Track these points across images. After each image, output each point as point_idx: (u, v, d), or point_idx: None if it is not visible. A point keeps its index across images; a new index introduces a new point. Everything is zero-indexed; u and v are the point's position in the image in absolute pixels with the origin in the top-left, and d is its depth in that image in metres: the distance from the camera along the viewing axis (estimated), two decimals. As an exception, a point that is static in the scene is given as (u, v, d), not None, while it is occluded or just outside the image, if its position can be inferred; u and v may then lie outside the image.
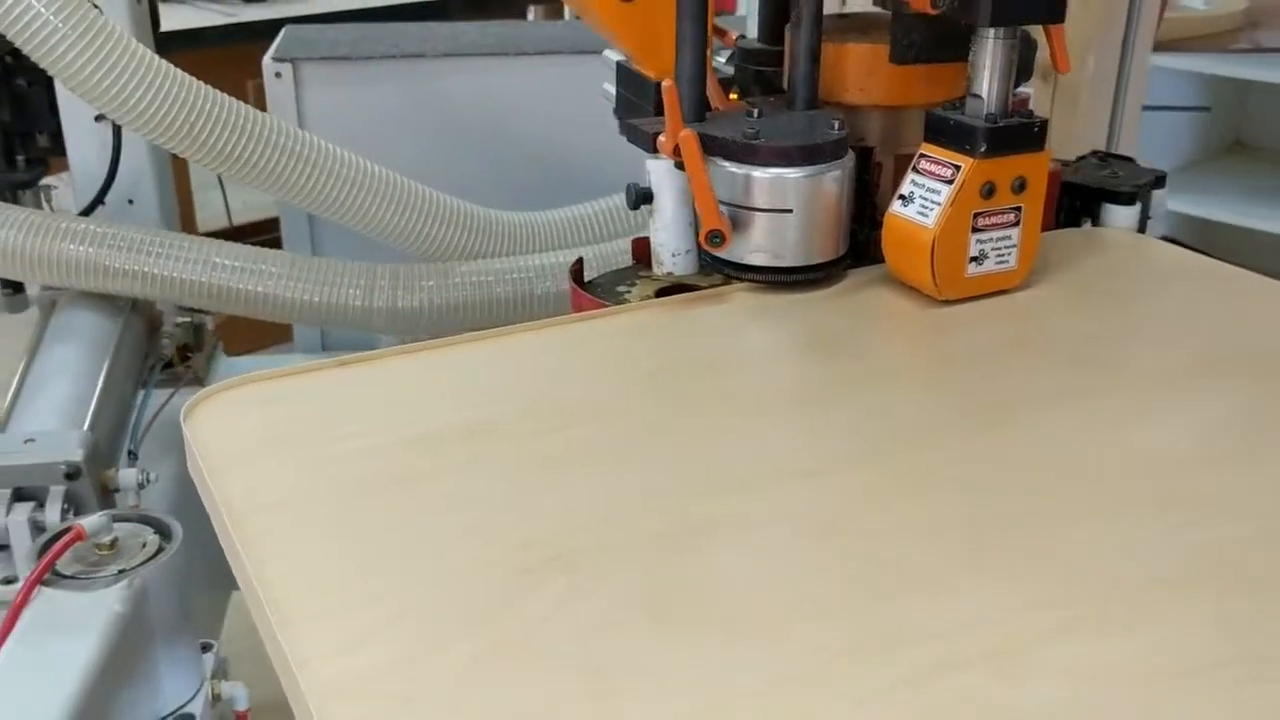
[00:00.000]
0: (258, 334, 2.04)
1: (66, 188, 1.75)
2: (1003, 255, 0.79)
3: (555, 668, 0.49)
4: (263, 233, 2.76)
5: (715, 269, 0.81)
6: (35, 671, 0.93)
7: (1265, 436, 0.65)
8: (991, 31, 0.73)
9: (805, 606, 0.53)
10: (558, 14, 3.52)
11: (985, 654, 0.49)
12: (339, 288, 1.45)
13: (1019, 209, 0.78)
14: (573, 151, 1.74)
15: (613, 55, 0.95)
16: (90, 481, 1.23)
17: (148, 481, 1.29)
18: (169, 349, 1.53)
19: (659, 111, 0.87)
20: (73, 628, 0.97)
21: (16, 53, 1.59)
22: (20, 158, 1.64)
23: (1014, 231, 0.78)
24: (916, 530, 0.58)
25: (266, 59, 1.70)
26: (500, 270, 1.51)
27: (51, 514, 1.20)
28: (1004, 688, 0.48)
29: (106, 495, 1.28)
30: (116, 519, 1.06)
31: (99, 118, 1.55)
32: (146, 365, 1.51)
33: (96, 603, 0.99)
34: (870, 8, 0.86)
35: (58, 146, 1.65)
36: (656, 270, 0.92)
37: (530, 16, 3.14)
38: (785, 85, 0.87)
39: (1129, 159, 0.87)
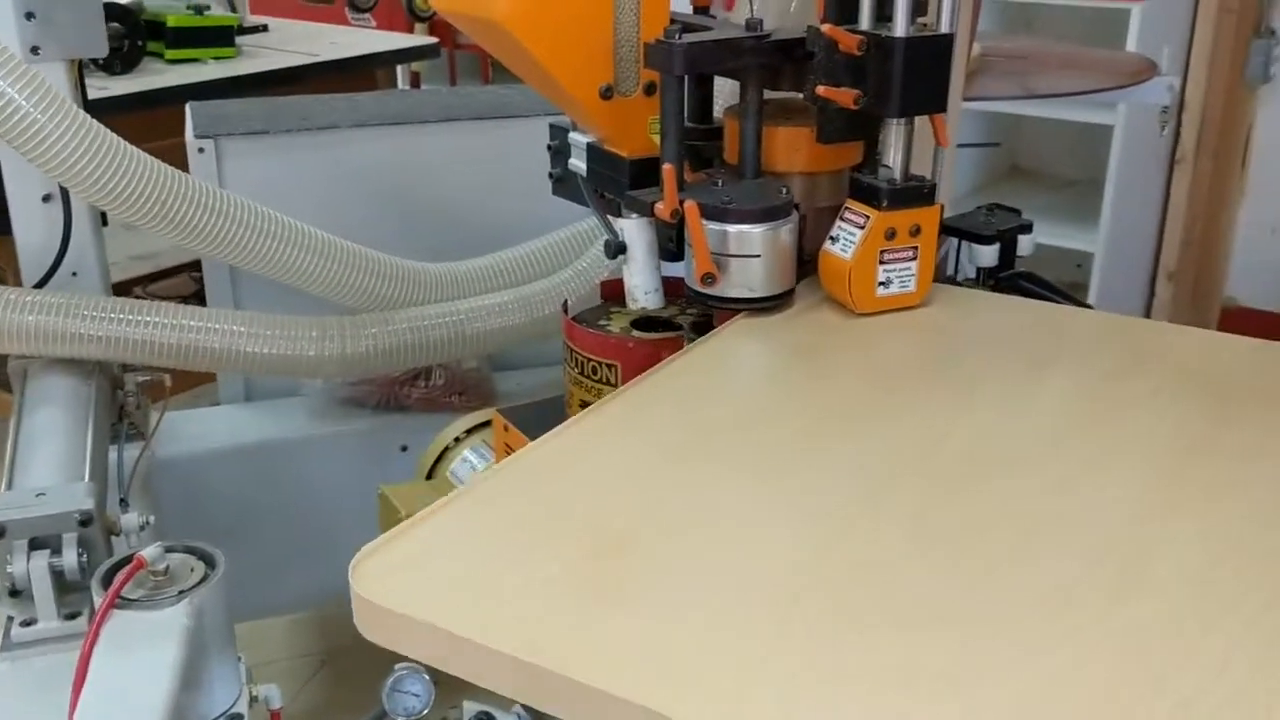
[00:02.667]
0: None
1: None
2: (905, 281, 1.07)
3: (861, 674, 0.63)
4: (123, 292, 2.85)
5: (702, 303, 1.05)
6: (131, 677, 1.09)
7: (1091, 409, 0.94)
8: (896, 120, 1.00)
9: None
10: (391, 81, 3.71)
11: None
12: (295, 340, 1.63)
13: (916, 248, 1.05)
14: (475, 209, 1.95)
15: (580, 137, 1.17)
16: (99, 527, 1.38)
17: (148, 524, 1.44)
18: (132, 406, 1.67)
19: (634, 184, 1.11)
20: (152, 640, 1.13)
21: (-45, 141, 1.71)
22: (-45, 238, 1.74)
23: (913, 264, 1.06)
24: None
25: (189, 136, 1.86)
26: (434, 315, 1.72)
27: (69, 558, 1.33)
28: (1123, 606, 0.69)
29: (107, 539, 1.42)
30: (168, 549, 1.22)
31: (47, 198, 1.67)
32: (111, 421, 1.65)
33: (168, 619, 1.15)
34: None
35: (-8, 226, 1.75)
36: (630, 306, 1.16)
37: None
38: (727, 158, 1.13)
39: (1014, 211, 1.17)
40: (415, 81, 3.90)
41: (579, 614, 0.69)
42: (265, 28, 3.31)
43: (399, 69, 3.81)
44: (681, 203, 0.99)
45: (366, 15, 3.82)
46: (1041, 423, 0.90)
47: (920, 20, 0.99)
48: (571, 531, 0.77)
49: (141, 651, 1.12)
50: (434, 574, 0.73)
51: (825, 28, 0.98)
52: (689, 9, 1.20)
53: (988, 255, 1.15)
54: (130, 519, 1.43)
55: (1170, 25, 3.01)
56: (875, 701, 0.62)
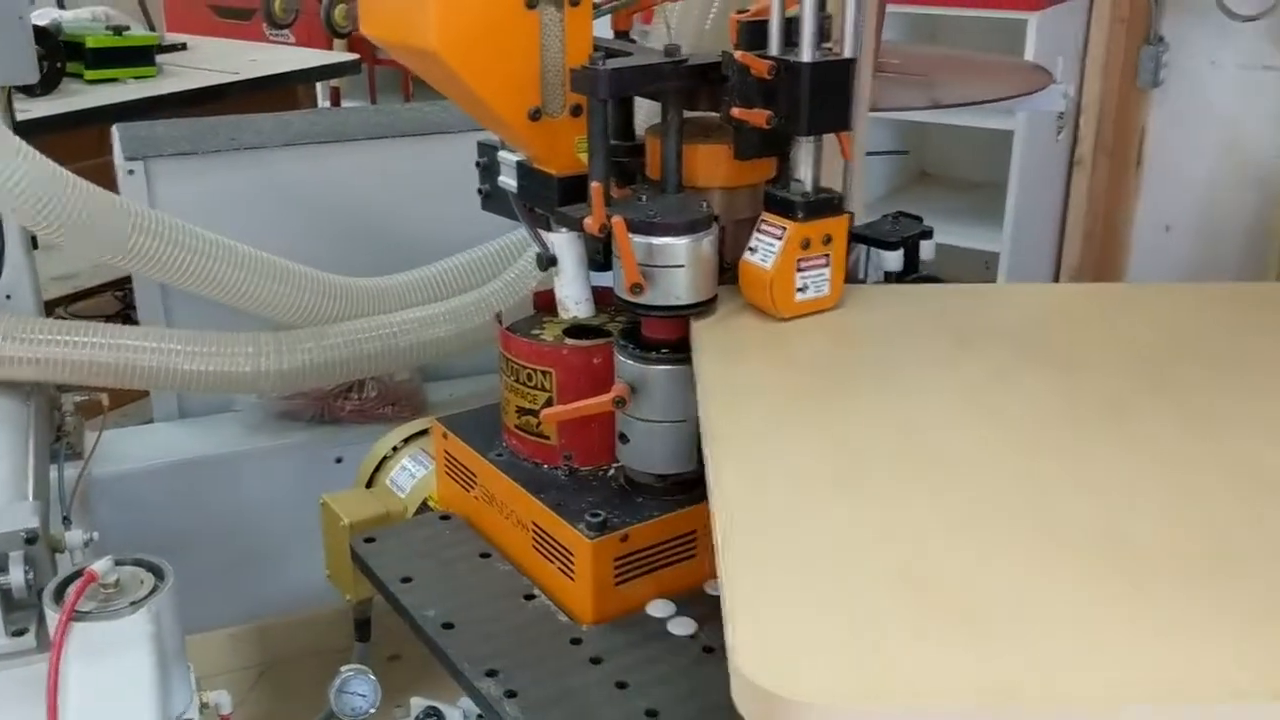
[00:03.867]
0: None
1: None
2: (819, 286, 1.14)
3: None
4: (45, 314, 2.84)
5: (630, 311, 1.12)
6: (113, 686, 1.12)
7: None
8: (806, 138, 1.08)
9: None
10: (311, 97, 3.74)
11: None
12: (231, 357, 1.66)
13: (828, 255, 1.13)
14: (403, 224, 2.00)
15: (510, 155, 1.23)
16: (44, 545, 1.40)
17: (91, 540, 1.47)
18: (70, 426, 1.69)
19: (563, 200, 1.18)
20: (122, 649, 1.17)
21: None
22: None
23: (826, 270, 1.13)
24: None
25: (118, 158, 1.88)
26: (367, 329, 1.76)
27: (16, 576, 1.35)
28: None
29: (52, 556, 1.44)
30: (118, 562, 1.25)
31: (-21, 224, 1.69)
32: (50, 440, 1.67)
33: (131, 626, 1.19)
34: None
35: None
36: (562, 315, 1.23)
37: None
38: (650, 174, 1.20)
39: (916, 218, 1.25)
40: (336, 98, 3.92)
41: (971, 645, 0.70)
42: (184, 46, 3.31)
43: (319, 85, 3.83)
44: (609, 218, 1.06)
45: (285, 31, 3.83)
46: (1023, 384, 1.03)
47: (825, 45, 1.07)
48: (863, 566, 0.77)
49: (115, 660, 1.16)
50: (822, 651, 0.69)
51: (738, 54, 1.06)
52: (610, 33, 1.27)
53: (893, 260, 1.24)
54: (75, 536, 1.45)
55: (1065, 33, 3.15)
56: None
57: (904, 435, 0.94)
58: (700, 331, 1.10)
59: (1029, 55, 2.93)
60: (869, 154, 2.40)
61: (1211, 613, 0.73)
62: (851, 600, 0.74)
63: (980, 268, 3.21)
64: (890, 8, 3.28)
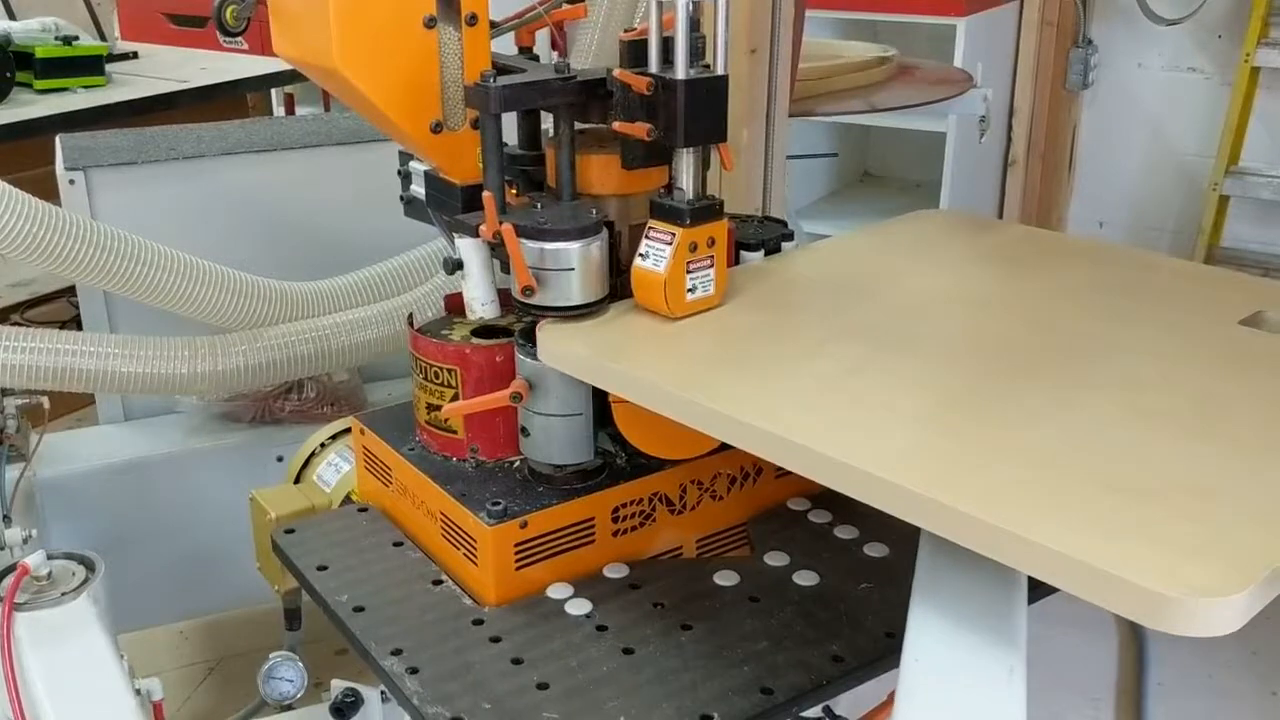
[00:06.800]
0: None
1: None
2: (706, 286, 1.22)
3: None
4: (1, 320, 2.89)
5: (524, 312, 1.19)
6: (80, 663, 1.20)
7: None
8: (684, 149, 1.16)
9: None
10: (265, 104, 3.79)
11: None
12: (167, 360, 1.72)
13: (712, 257, 1.21)
14: (338, 229, 2.06)
15: (419, 165, 1.31)
16: (-17, 540, 1.47)
17: (30, 537, 1.54)
18: (12, 429, 1.75)
19: (466, 208, 1.25)
20: (75, 631, 1.24)
21: None
22: None
23: (711, 271, 1.21)
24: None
25: (59, 168, 1.94)
26: (300, 331, 1.83)
27: (-43, 571, 1.42)
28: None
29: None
30: (49, 556, 1.32)
31: (-81, 232, 1.74)
32: (-9, 443, 1.73)
33: (77, 610, 1.26)
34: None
35: None
36: (470, 316, 1.30)
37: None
38: (549, 182, 1.27)
39: (780, 221, 1.33)
40: (290, 104, 3.97)
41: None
42: (135, 55, 3.36)
43: (274, 92, 3.89)
44: (500, 224, 1.13)
45: (239, 39, 3.88)
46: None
47: (702, 63, 1.14)
48: (1076, 476, 0.91)
49: (73, 642, 1.23)
50: (1177, 551, 0.79)
51: (617, 72, 1.13)
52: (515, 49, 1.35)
53: (755, 260, 1.32)
54: (13, 534, 1.52)
55: (995, 38, 3.24)
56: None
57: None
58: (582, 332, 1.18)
59: (958, 59, 3.02)
60: (793, 157, 2.49)
61: None
62: (1118, 503, 0.85)
63: (918, 265, 3.29)
64: (831, 13, 3.37)
